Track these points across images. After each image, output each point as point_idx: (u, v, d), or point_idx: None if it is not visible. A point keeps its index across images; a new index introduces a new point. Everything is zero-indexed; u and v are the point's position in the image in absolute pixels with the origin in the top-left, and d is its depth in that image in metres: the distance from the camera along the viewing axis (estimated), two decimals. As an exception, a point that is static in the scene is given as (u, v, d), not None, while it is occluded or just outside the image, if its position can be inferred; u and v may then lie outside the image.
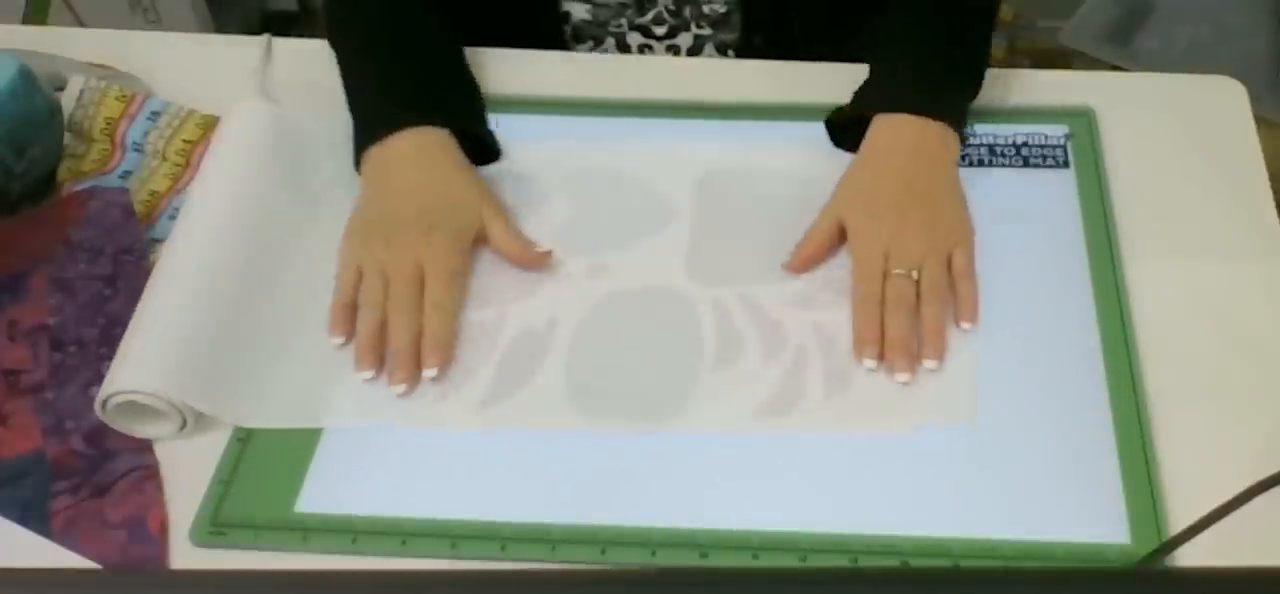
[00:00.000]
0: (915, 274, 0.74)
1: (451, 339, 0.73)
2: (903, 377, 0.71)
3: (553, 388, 0.71)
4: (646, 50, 0.94)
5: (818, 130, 0.85)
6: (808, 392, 0.70)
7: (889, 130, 0.80)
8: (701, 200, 0.81)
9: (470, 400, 0.70)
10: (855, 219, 0.77)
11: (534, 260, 0.77)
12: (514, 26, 0.93)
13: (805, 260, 0.77)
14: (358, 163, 0.80)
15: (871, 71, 0.85)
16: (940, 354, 0.71)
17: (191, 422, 0.69)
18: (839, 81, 0.88)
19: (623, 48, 0.94)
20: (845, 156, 0.82)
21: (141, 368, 0.67)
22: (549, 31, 0.94)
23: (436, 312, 0.73)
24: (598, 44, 0.94)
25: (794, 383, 0.71)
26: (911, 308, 0.73)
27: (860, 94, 0.84)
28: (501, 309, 0.75)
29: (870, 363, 0.71)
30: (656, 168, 0.83)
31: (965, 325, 0.73)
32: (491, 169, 0.83)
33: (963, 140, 0.82)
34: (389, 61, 0.84)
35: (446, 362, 0.72)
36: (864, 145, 0.81)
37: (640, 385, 0.71)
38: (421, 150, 0.79)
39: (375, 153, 0.79)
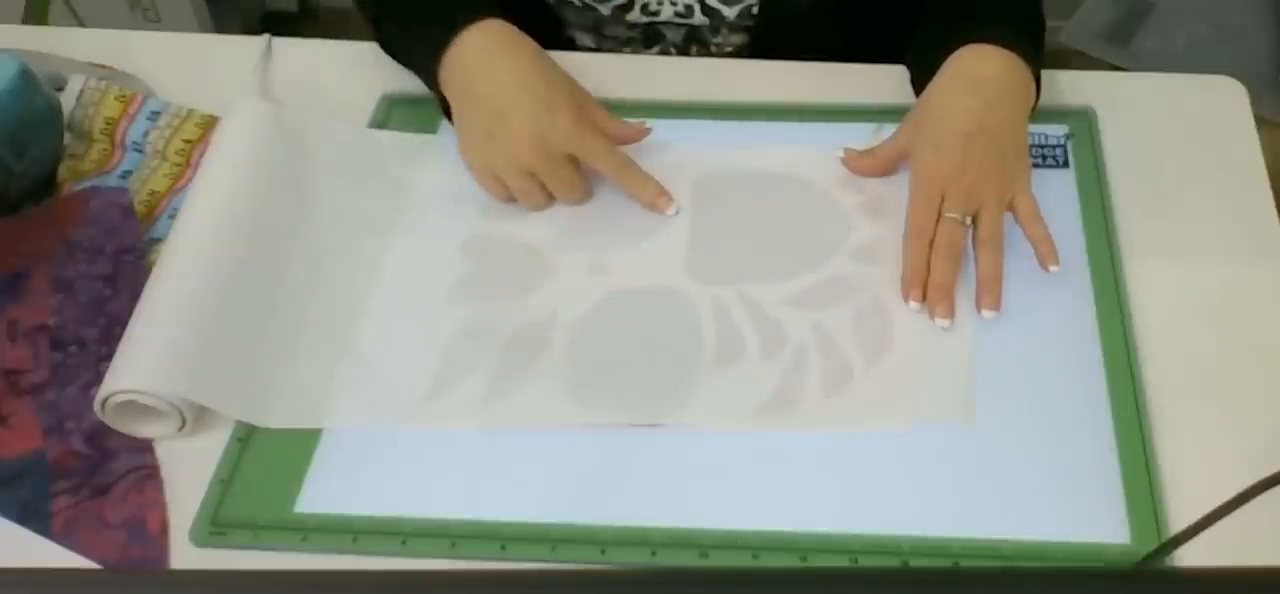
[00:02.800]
0: (968, 220, 0.74)
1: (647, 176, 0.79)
2: (943, 321, 0.72)
3: (552, 386, 0.71)
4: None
5: (818, 130, 0.85)
6: (807, 391, 0.70)
7: (975, 59, 0.78)
8: (701, 199, 0.81)
9: (470, 399, 0.70)
10: (919, 149, 0.77)
11: (638, 134, 0.81)
12: None
13: (858, 164, 0.80)
14: (436, 82, 0.80)
15: (943, 16, 0.82)
16: (996, 303, 0.73)
17: (191, 421, 0.69)
18: (841, 82, 0.88)
19: None
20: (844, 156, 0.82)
21: (140, 367, 0.67)
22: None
23: (626, 169, 0.79)
24: None
25: (793, 382, 0.71)
26: (959, 254, 0.73)
27: (941, 30, 0.81)
28: (500, 306, 0.75)
29: (914, 304, 0.73)
30: (656, 168, 0.83)
31: (1053, 268, 0.74)
32: None
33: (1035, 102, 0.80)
34: None
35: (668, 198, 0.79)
36: (943, 71, 0.78)
37: (640, 383, 0.71)
38: (497, 39, 0.78)
39: (451, 58, 0.78)
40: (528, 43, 0.79)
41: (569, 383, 0.71)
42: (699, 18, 0.91)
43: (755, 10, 0.89)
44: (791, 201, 0.81)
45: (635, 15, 0.91)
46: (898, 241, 0.76)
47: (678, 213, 0.79)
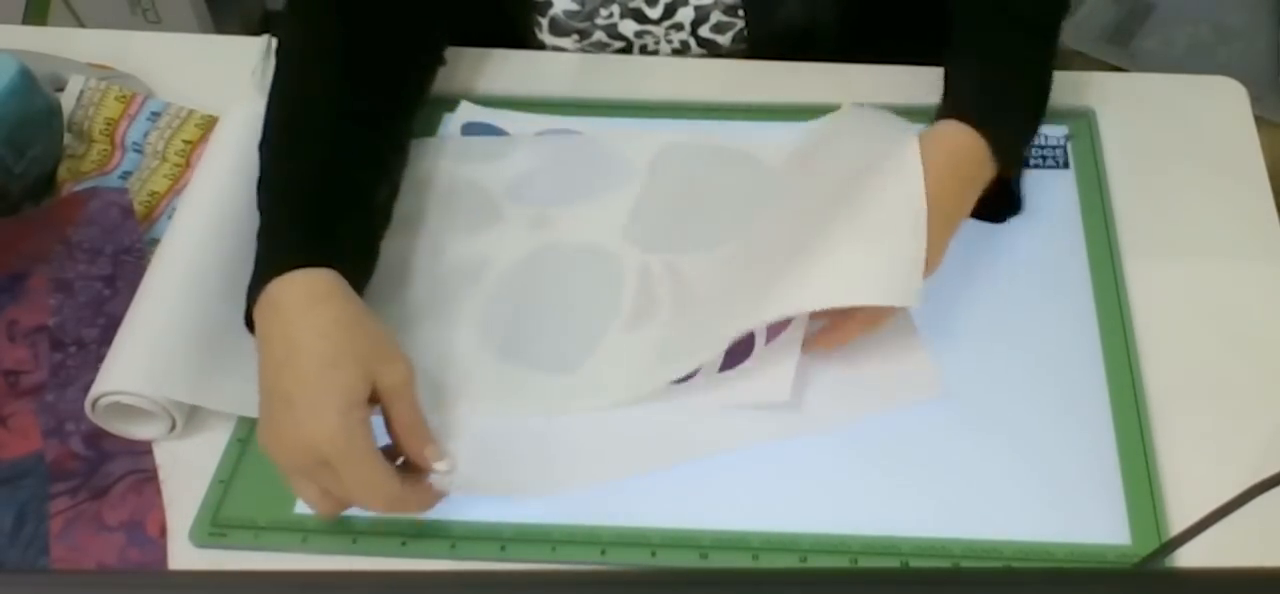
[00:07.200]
0: None
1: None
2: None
3: (468, 325, 0.74)
4: (645, 35, 0.90)
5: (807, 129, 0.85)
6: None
7: (929, 142, 0.71)
8: (658, 169, 0.82)
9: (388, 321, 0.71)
10: None
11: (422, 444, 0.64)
12: (482, 22, 0.91)
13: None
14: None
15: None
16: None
17: (181, 423, 0.69)
18: (840, 82, 0.87)
19: (615, 37, 0.91)
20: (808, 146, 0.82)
21: (127, 368, 0.67)
22: (521, 21, 0.91)
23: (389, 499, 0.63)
24: (584, 37, 0.91)
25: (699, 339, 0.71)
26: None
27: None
28: (436, 240, 0.78)
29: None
30: (623, 138, 0.84)
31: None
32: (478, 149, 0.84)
33: (1007, 169, 0.72)
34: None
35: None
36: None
37: (549, 334, 0.73)
38: (292, 301, 0.65)
39: (259, 309, 0.66)
40: (328, 304, 0.64)
41: (483, 323, 0.74)
42: (696, 52, 0.91)
43: (746, 33, 0.89)
44: (748, 182, 0.81)
45: (635, 56, 0.91)
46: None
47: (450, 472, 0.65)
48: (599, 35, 0.90)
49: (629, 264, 0.77)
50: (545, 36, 0.91)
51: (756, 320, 0.68)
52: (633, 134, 0.84)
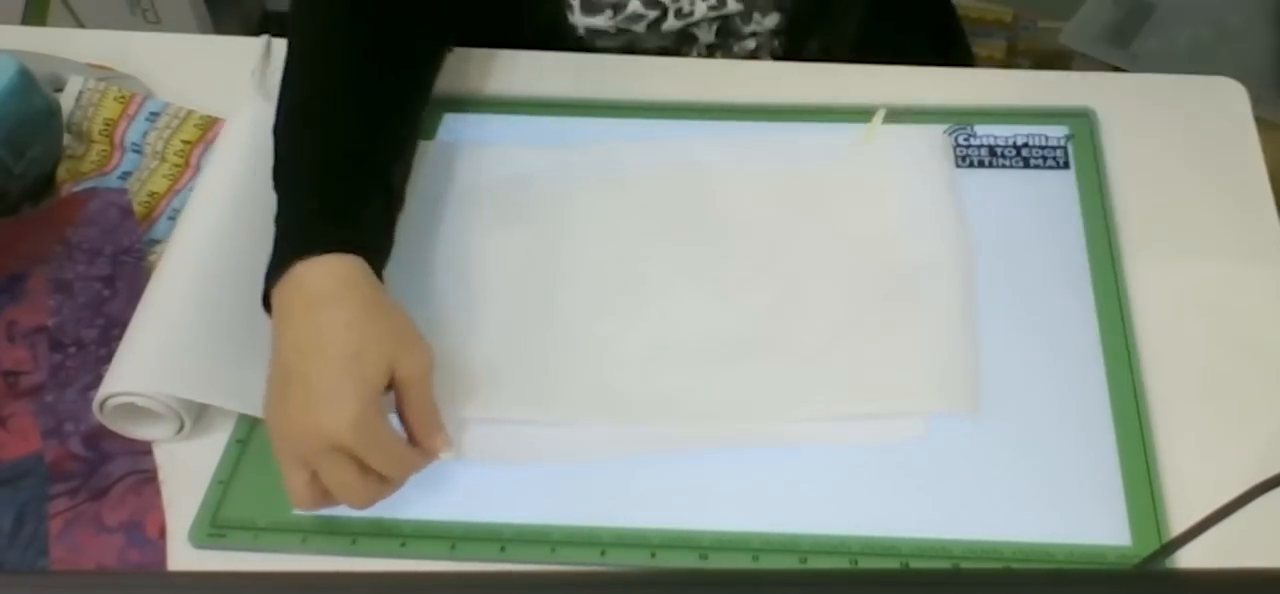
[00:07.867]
0: None
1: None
2: None
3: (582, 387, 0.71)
4: None
5: (819, 130, 0.84)
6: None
7: None
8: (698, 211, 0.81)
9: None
10: None
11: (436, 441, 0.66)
12: (509, 7, 0.91)
13: None
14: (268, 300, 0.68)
15: None
16: None
17: (190, 424, 0.69)
18: (842, 82, 0.87)
19: (651, 5, 0.88)
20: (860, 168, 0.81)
21: (138, 369, 0.67)
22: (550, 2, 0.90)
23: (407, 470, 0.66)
24: (618, 11, 0.88)
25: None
26: None
27: None
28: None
29: None
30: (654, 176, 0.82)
31: None
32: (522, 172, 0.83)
33: None
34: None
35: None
36: None
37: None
38: (320, 285, 0.66)
39: (279, 291, 0.66)
40: (355, 292, 0.65)
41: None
42: (733, 5, 0.89)
43: None
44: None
45: (670, 23, 0.89)
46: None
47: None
48: (634, 6, 0.88)
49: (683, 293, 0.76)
50: (577, 18, 0.88)
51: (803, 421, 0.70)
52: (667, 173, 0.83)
